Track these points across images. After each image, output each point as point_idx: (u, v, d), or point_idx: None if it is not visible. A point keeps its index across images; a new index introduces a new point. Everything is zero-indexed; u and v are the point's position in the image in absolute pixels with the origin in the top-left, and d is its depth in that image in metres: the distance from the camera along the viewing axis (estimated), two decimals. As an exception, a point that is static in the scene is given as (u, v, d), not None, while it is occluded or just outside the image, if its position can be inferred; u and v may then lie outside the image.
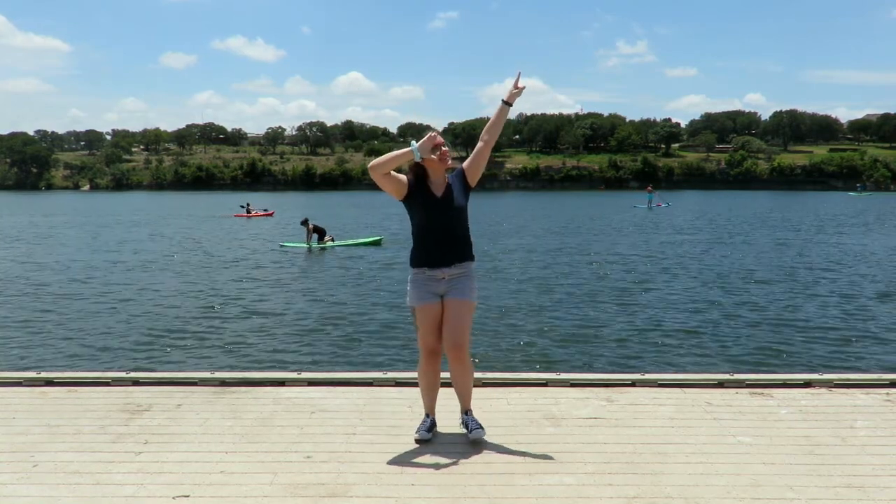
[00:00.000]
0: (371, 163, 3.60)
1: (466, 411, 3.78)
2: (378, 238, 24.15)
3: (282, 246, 23.56)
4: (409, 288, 3.80)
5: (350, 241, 23.67)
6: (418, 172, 3.69)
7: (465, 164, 3.83)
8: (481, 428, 3.68)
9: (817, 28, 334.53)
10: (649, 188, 60.10)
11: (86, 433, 3.81)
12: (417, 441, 3.67)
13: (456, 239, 3.73)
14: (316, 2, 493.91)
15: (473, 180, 3.81)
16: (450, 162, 3.75)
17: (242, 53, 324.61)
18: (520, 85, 3.77)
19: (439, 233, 3.69)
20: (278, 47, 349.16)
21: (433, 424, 3.79)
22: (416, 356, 3.88)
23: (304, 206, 53.83)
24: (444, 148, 3.68)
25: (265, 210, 44.77)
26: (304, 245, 22.95)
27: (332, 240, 23.17)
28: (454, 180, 3.77)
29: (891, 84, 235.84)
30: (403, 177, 3.69)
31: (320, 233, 23.14)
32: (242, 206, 43.75)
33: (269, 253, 22.33)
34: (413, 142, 3.62)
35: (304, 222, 23.42)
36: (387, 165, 3.58)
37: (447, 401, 3.95)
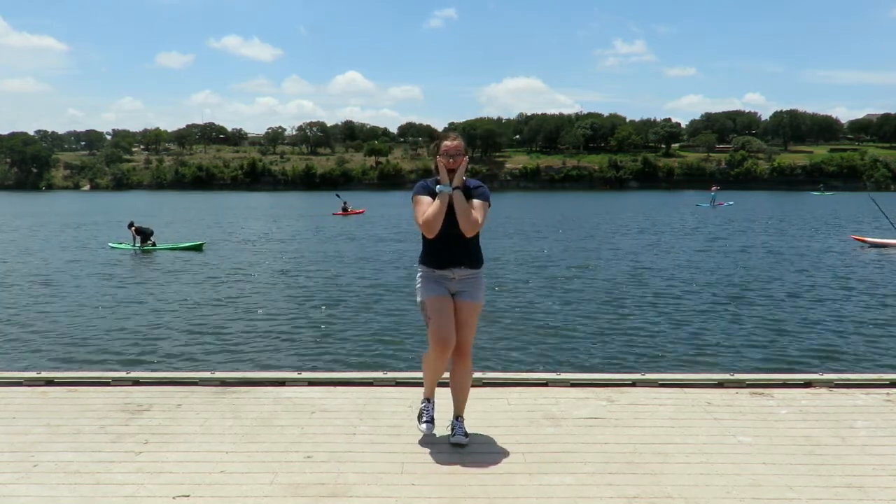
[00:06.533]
0: (427, 225, 3.58)
1: (458, 417, 3.77)
2: (199, 243, 24.16)
3: (110, 247, 24.04)
4: (418, 285, 3.78)
5: (171, 245, 23.88)
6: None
7: (474, 205, 3.66)
8: (466, 436, 3.69)
9: (817, 28, 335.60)
10: (715, 188, 61.63)
11: (86, 433, 3.81)
12: (424, 434, 3.70)
13: (462, 241, 3.67)
14: (312, 0, 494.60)
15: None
16: (455, 161, 3.64)
17: (239, 53, 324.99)
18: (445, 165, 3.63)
19: (445, 234, 3.65)
20: (275, 46, 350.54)
21: (433, 409, 3.80)
22: (417, 355, 3.87)
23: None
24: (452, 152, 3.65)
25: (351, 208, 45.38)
26: (130, 247, 23.37)
27: (154, 244, 23.40)
28: (468, 188, 3.69)
29: (891, 84, 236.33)
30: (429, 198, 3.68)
31: (144, 235, 23.37)
32: (340, 196, 45.24)
33: (284, 255, 22.33)
34: (439, 186, 3.62)
35: (130, 225, 23.75)
36: (438, 219, 3.59)
37: (448, 401, 3.93)
